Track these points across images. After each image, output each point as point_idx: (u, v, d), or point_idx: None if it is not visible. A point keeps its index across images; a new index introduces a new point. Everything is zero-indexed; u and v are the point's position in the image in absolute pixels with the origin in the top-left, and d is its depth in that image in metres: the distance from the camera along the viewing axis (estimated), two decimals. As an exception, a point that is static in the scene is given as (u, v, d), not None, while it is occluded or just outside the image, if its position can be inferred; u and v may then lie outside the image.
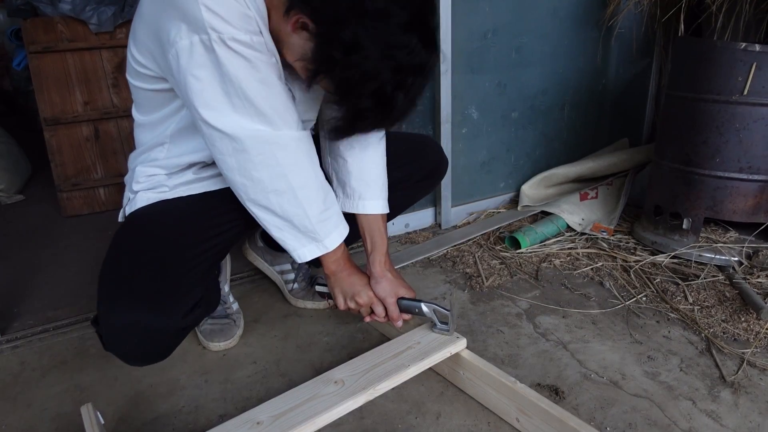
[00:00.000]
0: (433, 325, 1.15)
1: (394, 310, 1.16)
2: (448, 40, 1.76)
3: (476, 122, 1.97)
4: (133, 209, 1.10)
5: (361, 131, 0.98)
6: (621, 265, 1.66)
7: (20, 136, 2.77)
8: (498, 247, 1.80)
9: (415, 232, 1.96)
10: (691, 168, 1.62)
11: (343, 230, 1.10)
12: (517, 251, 1.77)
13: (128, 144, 2.32)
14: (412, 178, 1.36)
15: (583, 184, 2.18)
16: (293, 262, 1.50)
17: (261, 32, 0.90)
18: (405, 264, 1.71)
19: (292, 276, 1.50)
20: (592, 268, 1.65)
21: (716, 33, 1.73)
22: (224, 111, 0.91)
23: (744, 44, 1.48)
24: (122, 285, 0.98)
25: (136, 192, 1.11)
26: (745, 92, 1.50)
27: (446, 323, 1.14)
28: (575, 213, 1.92)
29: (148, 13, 0.93)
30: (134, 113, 1.12)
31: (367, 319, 1.20)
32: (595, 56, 2.16)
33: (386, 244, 1.20)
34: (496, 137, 2.05)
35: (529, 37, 1.98)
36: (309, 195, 1.01)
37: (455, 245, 1.82)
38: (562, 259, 1.72)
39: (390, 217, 1.27)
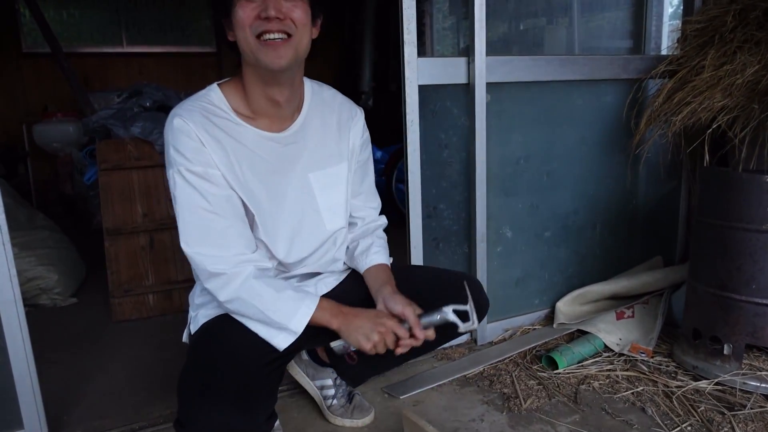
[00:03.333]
0: (456, 329, 1.15)
1: (414, 321, 1.13)
2: (483, 166, 1.89)
3: (510, 241, 2.05)
4: (196, 327, 1.20)
5: None
6: (663, 390, 1.63)
7: (75, 238, 2.96)
8: (535, 366, 1.80)
9: (451, 347, 1.97)
10: (727, 293, 1.64)
11: (306, 308, 1.11)
12: (555, 371, 1.76)
13: (179, 252, 2.45)
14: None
15: (618, 301, 2.19)
16: (335, 379, 1.54)
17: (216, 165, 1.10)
18: (442, 382, 1.71)
19: (332, 392, 1.53)
20: (632, 393, 1.63)
21: (741, 163, 1.81)
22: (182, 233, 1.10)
23: (768, 176, 1.55)
24: (209, 388, 1.03)
25: (198, 309, 1.22)
26: (774, 222, 1.54)
27: (468, 319, 1.14)
28: (612, 332, 1.92)
29: None
30: None
31: (399, 350, 1.13)
32: (624, 179, 2.26)
33: (394, 282, 1.26)
34: (530, 255, 2.11)
35: (558, 162, 2.10)
36: (253, 291, 1.09)
37: (492, 363, 1.82)
38: (601, 381, 1.70)
39: (421, 353, 1.25)
